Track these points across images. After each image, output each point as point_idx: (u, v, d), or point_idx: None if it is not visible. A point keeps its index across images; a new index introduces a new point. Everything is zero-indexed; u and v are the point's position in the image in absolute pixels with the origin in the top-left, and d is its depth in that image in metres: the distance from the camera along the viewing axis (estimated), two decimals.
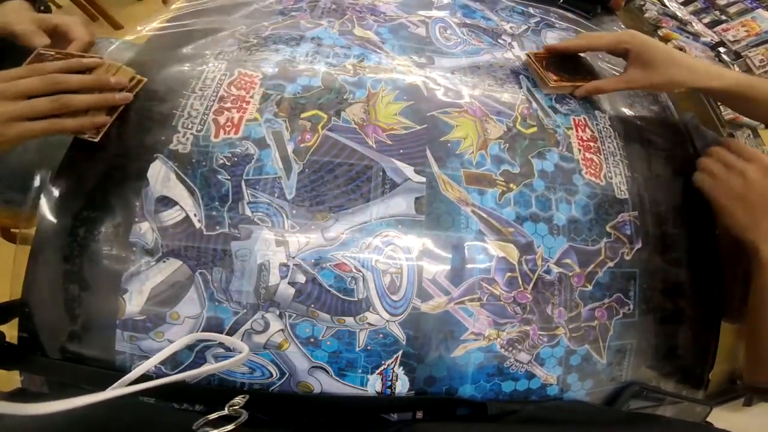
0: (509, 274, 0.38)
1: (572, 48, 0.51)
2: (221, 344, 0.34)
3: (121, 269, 0.34)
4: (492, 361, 0.37)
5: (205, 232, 0.35)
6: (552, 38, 0.59)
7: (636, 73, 0.46)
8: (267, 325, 0.34)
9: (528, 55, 0.52)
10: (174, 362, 0.34)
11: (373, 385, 0.36)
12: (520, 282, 0.38)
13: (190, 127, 0.39)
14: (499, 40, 0.55)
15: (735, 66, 1.23)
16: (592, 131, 0.47)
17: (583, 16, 0.69)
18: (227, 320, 0.34)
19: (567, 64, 0.52)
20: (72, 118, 0.36)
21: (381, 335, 0.35)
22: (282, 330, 0.35)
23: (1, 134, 0.32)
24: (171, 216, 0.35)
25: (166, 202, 0.36)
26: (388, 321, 0.35)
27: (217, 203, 0.36)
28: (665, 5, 1.48)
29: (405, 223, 0.37)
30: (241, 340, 0.34)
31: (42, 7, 0.68)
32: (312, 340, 0.35)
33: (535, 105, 0.47)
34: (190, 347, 0.34)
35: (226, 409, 0.28)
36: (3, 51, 0.42)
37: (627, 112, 0.52)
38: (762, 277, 0.38)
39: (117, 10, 1.89)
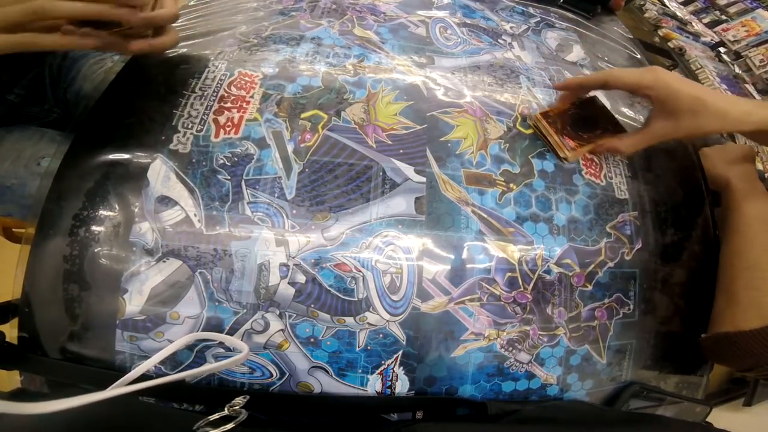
0: (509, 274, 0.38)
1: (591, 83, 0.44)
2: (221, 344, 0.34)
3: (121, 269, 0.34)
4: (492, 361, 0.37)
5: (205, 232, 0.35)
6: (552, 38, 0.59)
7: (660, 126, 0.41)
8: (267, 325, 0.34)
9: (536, 118, 0.44)
10: (174, 362, 0.34)
11: (373, 385, 0.36)
12: (520, 282, 0.38)
13: (190, 127, 0.39)
14: (499, 40, 0.55)
15: (735, 66, 1.23)
16: None
17: (583, 16, 0.69)
18: (227, 320, 0.34)
19: (584, 116, 0.45)
20: None
21: (381, 335, 0.35)
22: (282, 330, 0.35)
23: None
24: (171, 216, 0.35)
25: (166, 201, 0.36)
26: (388, 321, 0.35)
27: (217, 203, 0.36)
28: (665, 5, 1.48)
29: (405, 223, 0.37)
30: (241, 340, 0.34)
31: None
32: (312, 340, 0.35)
33: (535, 105, 0.47)
34: (190, 347, 0.34)
35: (225, 409, 0.28)
36: None
37: (627, 112, 0.51)
38: (729, 201, 0.45)
39: None
